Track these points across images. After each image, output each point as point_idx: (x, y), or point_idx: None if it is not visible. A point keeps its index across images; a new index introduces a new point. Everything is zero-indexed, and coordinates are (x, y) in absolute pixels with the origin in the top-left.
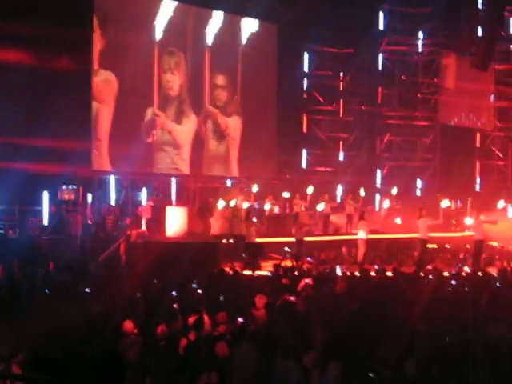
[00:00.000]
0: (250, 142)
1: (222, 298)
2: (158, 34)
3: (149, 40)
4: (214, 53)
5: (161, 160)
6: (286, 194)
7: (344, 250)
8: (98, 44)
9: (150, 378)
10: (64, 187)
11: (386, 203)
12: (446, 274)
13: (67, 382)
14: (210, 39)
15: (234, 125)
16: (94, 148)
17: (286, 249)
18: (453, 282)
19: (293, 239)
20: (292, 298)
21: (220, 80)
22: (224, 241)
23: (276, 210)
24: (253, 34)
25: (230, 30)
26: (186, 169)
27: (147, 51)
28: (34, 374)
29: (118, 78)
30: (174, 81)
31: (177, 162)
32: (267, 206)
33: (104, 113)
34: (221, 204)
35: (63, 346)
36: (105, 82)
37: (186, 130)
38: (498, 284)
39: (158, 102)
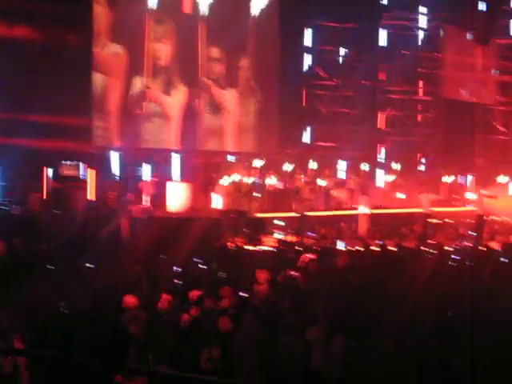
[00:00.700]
0: (251, 117)
1: (224, 273)
2: (151, 2)
3: (142, 9)
4: (209, 24)
5: (147, 131)
6: (286, 167)
7: (344, 225)
8: (106, 17)
9: (152, 353)
10: (65, 163)
11: (388, 178)
12: (447, 248)
13: (70, 357)
14: (204, 10)
15: (230, 98)
16: (99, 123)
17: (277, 222)
18: (454, 257)
19: (294, 214)
20: (294, 273)
21: (215, 52)
22: (226, 216)
23: (278, 184)
24: (253, 8)
25: (228, 3)
26: (173, 141)
27: (141, 20)
28: (36, 350)
29: (127, 51)
30: (162, 50)
31: (164, 134)
32: (269, 181)
33: (113, 84)
34: (224, 179)
35: (66, 322)
36: (114, 56)
37: (175, 101)
38: (502, 259)
39: (148, 72)
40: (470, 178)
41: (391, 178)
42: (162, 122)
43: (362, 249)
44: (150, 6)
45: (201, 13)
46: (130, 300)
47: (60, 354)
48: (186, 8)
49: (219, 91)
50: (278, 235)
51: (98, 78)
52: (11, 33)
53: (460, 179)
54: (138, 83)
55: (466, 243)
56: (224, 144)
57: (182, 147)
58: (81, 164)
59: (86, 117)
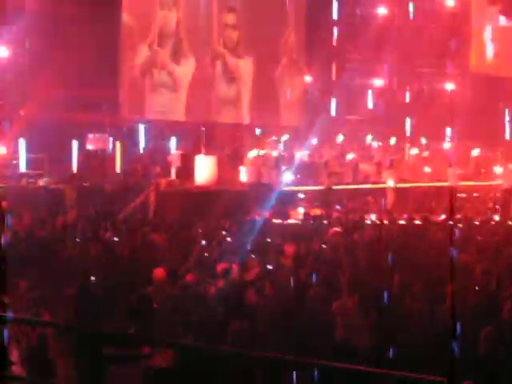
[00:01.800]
0: (278, 89)
1: (251, 246)
2: None
3: None
4: None
5: (152, 102)
6: (314, 141)
7: (371, 198)
8: None
9: (179, 325)
10: (92, 136)
11: (415, 151)
12: (475, 222)
13: (97, 328)
14: None
15: (245, 66)
16: (125, 95)
17: (300, 195)
18: (482, 231)
19: (322, 187)
20: (321, 246)
21: (230, 19)
22: (254, 189)
23: (305, 158)
24: None
25: None
26: (181, 113)
27: None
28: (63, 321)
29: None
30: (172, 17)
31: (172, 105)
32: (298, 155)
33: (128, 59)
34: (251, 152)
35: (93, 294)
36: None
37: (183, 71)
38: None
39: (156, 40)
40: (498, 151)
41: (418, 151)
42: (169, 92)
43: (389, 222)
44: None
45: None
46: (159, 273)
47: (87, 326)
48: None
49: (234, 60)
50: (305, 209)
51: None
52: (40, 8)
53: (488, 153)
54: (144, 51)
55: (493, 217)
56: (237, 115)
57: (191, 118)
58: (108, 137)
59: (113, 89)
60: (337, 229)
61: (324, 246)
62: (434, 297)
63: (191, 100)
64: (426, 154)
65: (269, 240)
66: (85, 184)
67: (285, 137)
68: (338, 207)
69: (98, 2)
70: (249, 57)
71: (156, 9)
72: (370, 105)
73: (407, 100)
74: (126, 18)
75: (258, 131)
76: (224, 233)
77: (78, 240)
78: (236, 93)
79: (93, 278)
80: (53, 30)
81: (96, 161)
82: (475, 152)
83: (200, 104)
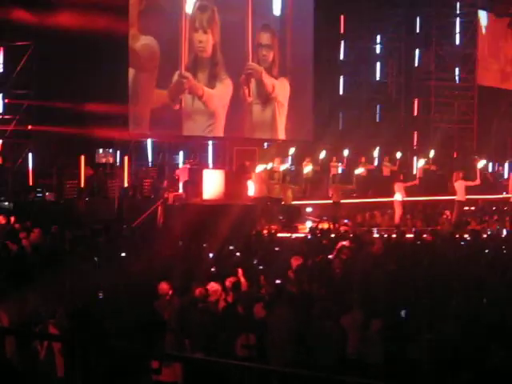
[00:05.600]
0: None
1: (257, 260)
2: None
3: None
4: (256, 8)
5: (191, 130)
6: (322, 154)
7: (379, 212)
8: (136, 7)
9: (188, 339)
10: (101, 150)
11: (421, 163)
12: (483, 235)
13: (106, 341)
14: None
15: (281, 87)
16: (133, 112)
17: (308, 210)
18: (490, 244)
19: (330, 201)
20: (329, 260)
21: (265, 39)
22: (261, 203)
23: (313, 172)
24: None
25: None
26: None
27: (180, 9)
28: (70, 334)
29: (159, 43)
30: (207, 41)
31: (210, 132)
32: (305, 170)
33: (144, 78)
34: (258, 167)
35: (101, 308)
36: (145, 47)
37: (219, 94)
38: None
39: (187, 63)
40: (506, 164)
41: (426, 164)
42: (206, 120)
43: (397, 236)
44: None
45: None
46: (164, 286)
47: (95, 339)
48: None
49: (270, 79)
50: (312, 222)
51: (131, 71)
52: (51, 21)
53: (496, 166)
54: (176, 76)
55: (502, 230)
56: (273, 137)
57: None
58: (117, 151)
59: (123, 105)
60: (345, 242)
61: (332, 259)
62: (444, 309)
63: (228, 124)
64: (433, 167)
65: (276, 253)
66: (92, 198)
67: (292, 151)
68: (345, 221)
69: (117, 20)
70: (284, 78)
71: (185, 33)
72: (378, 118)
73: (415, 113)
74: (149, 40)
75: (265, 145)
76: (232, 247)
77: (86, 254)
78: (271, 115)
79: (101, 293)
80: (66, 43)
81: (105, 175)
82: (484, 165)
83: (235, 127)
